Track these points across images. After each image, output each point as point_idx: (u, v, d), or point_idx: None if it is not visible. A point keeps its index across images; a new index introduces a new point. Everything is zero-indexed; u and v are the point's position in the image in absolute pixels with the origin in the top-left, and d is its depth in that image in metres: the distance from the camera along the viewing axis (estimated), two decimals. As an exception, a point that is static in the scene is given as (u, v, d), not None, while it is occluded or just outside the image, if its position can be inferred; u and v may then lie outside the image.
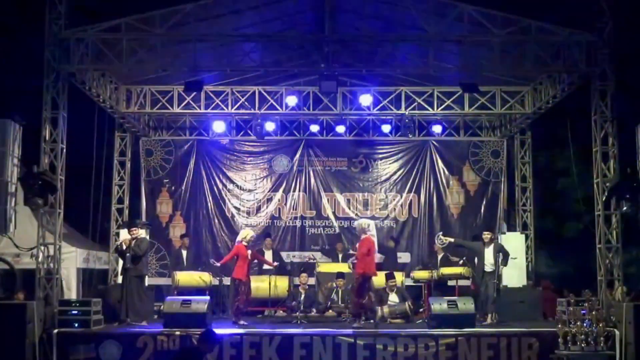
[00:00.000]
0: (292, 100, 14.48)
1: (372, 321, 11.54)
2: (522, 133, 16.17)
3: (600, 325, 10.13)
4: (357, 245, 11.67)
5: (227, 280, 13.24)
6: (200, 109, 15.07)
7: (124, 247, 11.93)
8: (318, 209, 16.21)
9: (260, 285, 12.80)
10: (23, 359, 10.34)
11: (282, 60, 13.65)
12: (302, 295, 13.04)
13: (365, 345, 10.60)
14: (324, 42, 12.13)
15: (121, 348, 10.62)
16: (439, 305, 11.24)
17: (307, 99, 15.18)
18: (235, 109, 15.15)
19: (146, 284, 12.74)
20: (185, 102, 14.88)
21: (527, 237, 15.64)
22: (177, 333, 10.69)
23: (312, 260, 14.57)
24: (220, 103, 15.01)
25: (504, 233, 15.35)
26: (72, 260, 13.69)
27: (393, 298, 12.65)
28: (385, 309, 12.32)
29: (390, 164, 16.44)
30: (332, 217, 16.17)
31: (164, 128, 16.43)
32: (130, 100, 15.04)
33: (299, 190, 16.26)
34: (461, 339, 10.67)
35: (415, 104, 15.02)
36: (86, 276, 14.40)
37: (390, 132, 16.18)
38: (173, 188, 16.13)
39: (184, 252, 14.20)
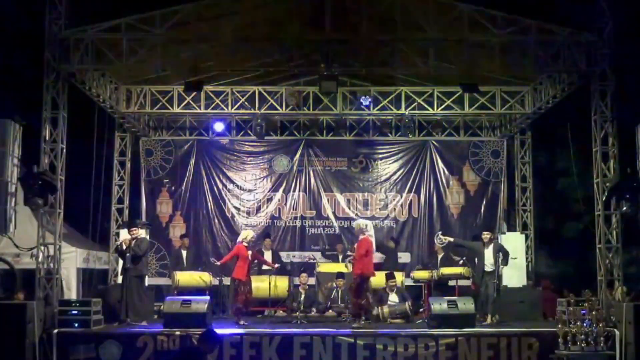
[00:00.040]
0: (292, 101, 14.48)
1: (369, 322, 11.55)
2: (522, 133, 16.18)
3: (600, 325, 10.12)
4: (355, 246, 11.68)
5: (227, 280, 13.25)
6: (200, 109, 15.07)
7: (124, 247, 11.93)
8: (318, 209, 16.21)
9: (260, 285, 12.80)
10: (23, 359, 10.34)
11: (282, 60, 13.64)
12: (302, 295, 13.04)
13: (365, 345, 10.60)
14: (324, 42, 12.13)
15: (121, 348, 10.62)
16: (439, 305, 11.25)
17: (307, 99, 15.18)
18: (235, 109, 15.14)
19: (146, 284, 12.75)
20: (185, 102, 14.88)
21: (527, 237, 15.65)
22: (177, 333, 10.69)
23: (312, 260, 14.58)
24: (220, 103, 15.01)
25: (504, 233, 15.36)
26: (72, 260, 13.69)
27: (393, 298, 12.65)
28: (385, 309, 12.33)
29: (390, 164, 16.44)
30: (332, 217, 16.17)
31: (164, 128, 16.43)
32: (130, 100, 15.04)
33: (299, 190, 16.26)
34: (461, 339, 10.67)
35: (415, 104, 15.02)
36: (86, 276, 14.40)
37: (390, 132, 16.16)
38: (173, 188, 16.13)
39: (184, 252, 14.20)
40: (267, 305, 13.30)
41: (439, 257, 14.04)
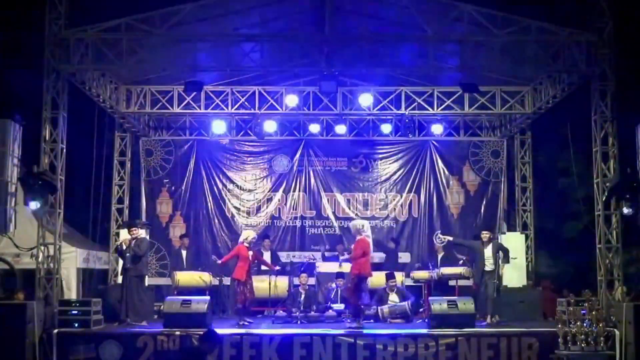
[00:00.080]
0: (292, 100, 14.48)
1: (372, 321, 11.55)
2: (522, 133, 16.18)
3: (600, 325, 10.12)
4: (352, 246, 11.68)
5: (227, 280, 13.24)
6: (200, 109, 15.07)
7: (124, 247, 11.94)
8: (318, 209, 16.21)
9: (260, 285, 12.79)
10: (23, 359, 10.34)
11: (282, 60, 13.62)
12: (302, 295, 13.04)
13: (365, 345, 10.59)
14: (324, 42, 12.13)
15: (121, 348, 10.62)
16: (439, 305, 11.24)
17: (307, 99, 15.18)
18: (235, 109, 15.15)
19: (146, 284, 12.73)
20: (185, 102, 14.88)
21: (527, 237, 15.64)
22: (177, 333, 10.70)
23: (312, 261, 14.58)
24: (220, 103, 15.01)
25: (504, 233, 15.37)
26: (72, 260, 13.69)
27: (393, 298, 12.65)
28: (385, 309, 12.33)
29: (390, 164, 16.44)
30: (332, 217, 16.18)
31: (164, 128, 16.43)
32: (130, 100, 15.04)
33: (299, 190, 16.26)
34: (461, 339, 10.67)
35: (415, 104, 15.03)
36: (86, 276, 14.40)
37: (390, 132, 16.17)
38: (173, 188, 16.13)
39: (184, 252, 14.19)
40: (267, 305, 13.30)
41: (439, 256, 14.04)
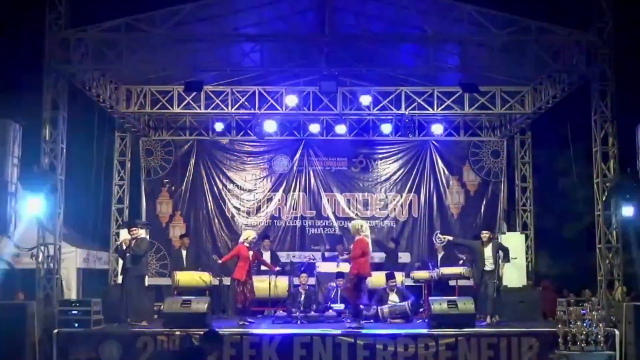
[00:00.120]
0: (292, 100, 14.47)
1: (372, 321, 11.54)
2: (522, 133, 16.18)
3: (600, 325, 10.13)
4: (351, 247, 11.69)
5: (227, 280, 13.25)
6: (200, 109, 15.06)
7: (124, 247, 11.92)
8: (318, 209, 16.21)
9: (260, 285, 12.79)
10: (23, 359, 10.34)
11: (282, 60, 13.63)
12: (302, 295, 13.04)
13: (365, 345, 10.58)
14: (324, 42, 12.13)
15: (121, 348, 10.62)
16: (439, 305, 11.24)
17: (307, 99, 15.18)
18: (235, 109, 15.15)
19: (146, 284, 12.73)
20: (185, 102, 14.88)
21: (527, 237, 15.65)
22: (177, 333, 10.68)
23: (312, 261, 14.58)
24: (220, 103, 15.01)
25: (504, 233, 15.37)
26: (72, 260, 13.69)
27: (393, 298, 12.65)
28: (385, 309, 12.32)
29: (390, 164, 16.45)
30: (332, 217, 16.18)
31: (164, 128, 16.43)
32: (130, 100, 15.03)
33: (299, 190, 16.26)
34: (461, 339, 10.66)
35: (415, 104, 15.01)
36: (86, 276, 14.40)
37: (391, 132, 16.17)
38: (173, 188, 16.13)
39: (184, 252, 14.18)
40: (267, 305, 13.30)
41: (439, 256, 14.05)
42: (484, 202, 16.18)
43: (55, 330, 10.79)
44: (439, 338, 10.67)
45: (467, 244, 13.03)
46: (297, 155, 16.29)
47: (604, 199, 11.72)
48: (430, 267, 13.47)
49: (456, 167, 16.34)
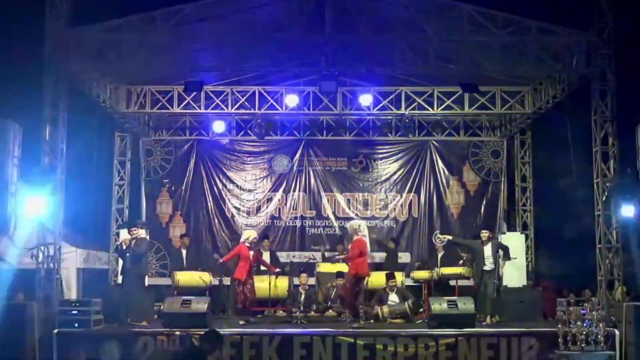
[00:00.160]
0: (292, 100, 14.47)
1: (372, 321, 11.53)
2: (522, 133, 16.19)
3: (600, 325, 10.13)
4: (349, 247, 11.68)
5: (227, 280, 13.24)
6: (200, 109, 15.07)
7: (124, 247, 11.92)
8: (318, 209, 16.22)
9: (260, 285, 12.79)
10: (23, 359, 10.33)
11: (282, 60, 13.62)
12: (302, 295, 13.04)
13: (365, 345, 10.59)
14: (324, 42, 12.12)
15: (121, 348, 10.61)
16: (439, 305, 11.23)
17: (307, 99, 15.18)
18: (235, 109, 15.15)
19: (146, 284, 12.73)
20: (185, 102, 14.88)
21: (527, 237, 15.67)
22: (177, 333, 10.69)
23: (312, 261, 14.57)
24: (220, 103, 15.01)
25: (504, 233, 15.37)
26: (72, 260, 13.69)
27: (393, 298, 12.65)
28: (385, 309, 12.32)
29: (390, 164, 16.45)
30: (332, 217, 16.18)
31: (164, 128, 16.43)
32: (130, 100, 15.04)
33: (299, 190, 16.27)
34: (461, 339, 10.66)
35: (415, 104, 15.02)
36: (86, 276, 14.39)
37: (391, 132, 16.16)
38: (173, 188, 16.14)
39: (184, 252, 14.19)
40: (267, 305, 13.30)
41: (439, 256, 14.05)
42: (484, 202, 16.19)
43: (55, 331, 10.79)
44: (439, 338, 10.67)
45: (466, 243, 13.04)
46: (297, 155, 16.29)
47: (604, 199, 11.72)
48: (430, 267, 13.51)
49: (456, 167, 16.35)
